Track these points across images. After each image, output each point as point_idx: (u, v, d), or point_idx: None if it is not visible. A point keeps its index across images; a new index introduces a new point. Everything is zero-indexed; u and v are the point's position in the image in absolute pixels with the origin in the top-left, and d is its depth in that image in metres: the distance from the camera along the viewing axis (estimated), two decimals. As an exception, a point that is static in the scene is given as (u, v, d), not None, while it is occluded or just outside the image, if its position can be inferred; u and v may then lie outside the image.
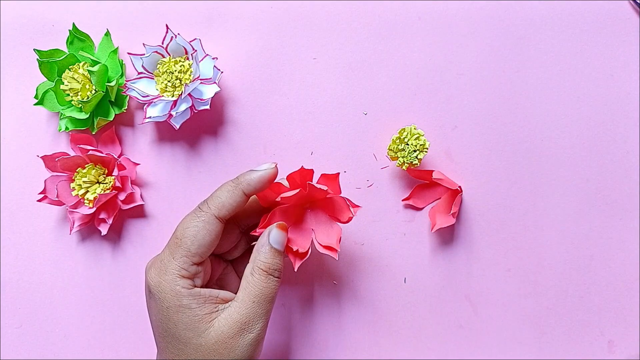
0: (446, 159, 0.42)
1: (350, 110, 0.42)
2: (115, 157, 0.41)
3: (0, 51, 0.45)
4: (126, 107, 0.42)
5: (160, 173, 0.43)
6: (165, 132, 0.43)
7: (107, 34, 0.42)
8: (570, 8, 0.41)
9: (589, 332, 0.41)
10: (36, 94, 0.42)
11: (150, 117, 0.40)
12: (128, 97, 0.42)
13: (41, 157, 0.41)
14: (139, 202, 0.42)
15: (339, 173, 0.35)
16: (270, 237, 0.35)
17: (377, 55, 0.42)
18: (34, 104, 0.42)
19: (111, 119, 0.42)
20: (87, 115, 0.41)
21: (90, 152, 0.40)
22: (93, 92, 0.40)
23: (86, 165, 0.41)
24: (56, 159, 0.40)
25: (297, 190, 0.35)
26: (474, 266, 0.41)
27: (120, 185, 0.41)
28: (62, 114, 0.42)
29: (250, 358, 0.33)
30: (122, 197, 0.41)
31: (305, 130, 0.42)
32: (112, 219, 0.41)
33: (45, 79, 0.42)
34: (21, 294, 0.44)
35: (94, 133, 0.42)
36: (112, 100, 0.42)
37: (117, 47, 0.42)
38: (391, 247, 0.42)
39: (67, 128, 0.42)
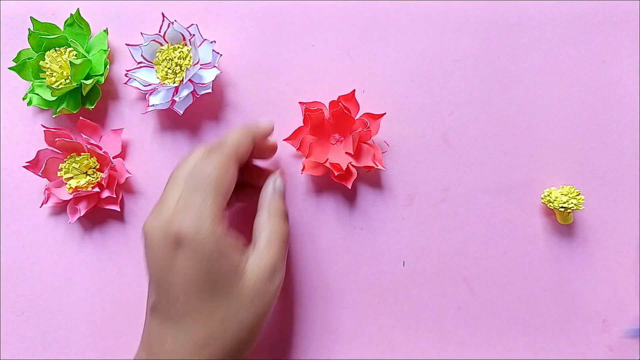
0: (443, 144, 0.42)
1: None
2: (111, 158, 0.41)
3: (0, 48, 0.45)
4: (93, 106, 0.42)
5: (166, 161, 0.43)
6: (167, 121, 0.44)
7: (105, 31, 0.43)
8: (563, -5, 0.42)
9: (584, 311, 0.42)
10: (17, 57, 0.42)
11: (153, 105, 0.41)
12: (99, 97, 0.42)
13: (44, 129, 0.41)
14: (115, 208, 0.42)
15: (354, 90, 0.39)
16: (276, 185, 0.36)
17: (375, 42, 0.43)
18: (9, 68, 0.42)
19: (74, 112, 0.42)
20: (54, 99, 0.42)
21: (90, 147, 0.41)
22: (66, 81, 0.41)
23: (82, 154, 0.41)
24: (56, 139, 0.41)
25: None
26: (471, 249, 0.42)
27: (104, 185, 0.41)
28: (32, 88, 0.42)
29: (273, 301, 0.33)
30: (104, 195, 0.42)
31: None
32: (84, 212, 0.41)
33: (30, 48, 0.42)
34: (22, 282, 0.44)
35: (54, 116, 0.42)
36: (84, 95, 0.42)
37: (109, 50, 0.42)
38: (390, 231, 0.42)
39: (30, 102, 0.42)
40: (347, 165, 0.40)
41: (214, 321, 0.31)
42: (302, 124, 0.40)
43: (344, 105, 0.39)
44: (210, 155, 0.33)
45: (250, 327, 0.32)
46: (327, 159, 0.40)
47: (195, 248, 0.30)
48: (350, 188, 0.41)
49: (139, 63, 0.41)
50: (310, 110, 0.38)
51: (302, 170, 0.40)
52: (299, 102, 0.40)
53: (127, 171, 0.42)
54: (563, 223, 0.41)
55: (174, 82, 0.40)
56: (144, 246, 0.33)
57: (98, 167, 0.42)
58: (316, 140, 0.40)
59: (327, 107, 0.40)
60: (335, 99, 0.39)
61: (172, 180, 0.34)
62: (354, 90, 0.39)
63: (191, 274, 0.30)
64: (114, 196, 0.42)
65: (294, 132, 0.40)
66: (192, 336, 0.31)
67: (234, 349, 0.31)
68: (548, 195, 0.40)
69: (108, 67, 0.42)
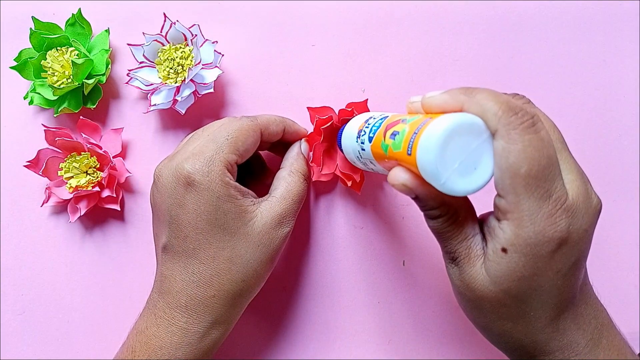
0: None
1: (348, 96, 0.43)
2: (111, 158, 0.41)
3: (0, 47, 0.45)
4: (95, 106, 0.42)
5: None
6: (169, 120, 0.44)
7: (107, 31, 0.43)
8: (563, -5, 0.43)
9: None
10: (18, 56, 0.42)
11: (155, 105, 0.41)
12: (101, 96, 0.42)
13: (44, 128, 0.41)
14: (116, 207, 0.42)
15: (367, 99, 0.39)
16: (302, 148, 0.39)
17: (375, 42, 0.43)
18: (10, 67, 0.42)
19: (76, 111, 0.42)
20: (56, 98, 0.42)
21: (90, 146, 0.41)
22: (68, 81, 0.41)
23: (82, 153, 0.41)
24: (56, 138, 0.41)
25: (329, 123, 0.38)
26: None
27: (104, 184, 0.41)
28: (34, 87, 0.42)
29: (279, 251, 0.35)
30: (104, 194, 0.42)
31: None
32: (85, 211, 0.42)
33: (32, 47, 0.42)
34: (23, 281, 0.44)
35: (55, 116, 0.42)
36: (85, 94, 0.43)
37: (110, 50, 0.43)
38: (390, 231, 0.43)
39: (32, 101, 0.42)
40: (360, 174, 0.40)
41: (220, 259, 0.33)
42: (313, 131, 0.40)
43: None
44: (237, 120, 0.35)
45: (255, 269, 0.34)
46: (337, 166, 0.40)
47: (204, 189, 0.32)
48: (360, 193, 0.41)
49: (140, 63, 0.41)
50: (322, 122, 0.38)
51: (312, 176, 0.40)
52: (308, 108, 0.40)
53: (127, 170, 0.42)
54: None
55: (176, 82, 0.40)
56: (154, 188, 0.34)
57: (98, 166, 0.42)
58: (326, 147, 0.40)
59: (336, 112, 0.40)
60: (339, 100, 0.39)
61: (193, 136, 0.36)
62: (367, 99, 0.39)
63: (200, 212, 0.32)
64: (114, 195, 0.42)
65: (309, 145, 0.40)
66: (200, 272, 0.33)
67: (238, 288, 0.34)
68: None
69: (110, 66, 0.42)
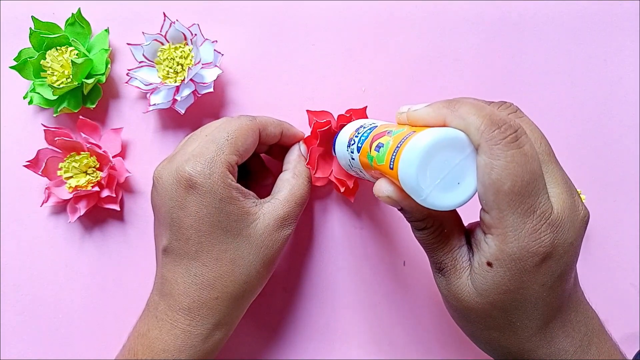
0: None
1: (349, 96, 0.43)
2: (111, 157, 0.41)
3: (0, 47, 0.45)
4: (94, 106, 0.42)
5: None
6: (168, 120, 0.44)
7: (106, 30, 0.43)
8: (563, -5, 0.43)
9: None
10: (18, 56, 0.42)
11: (155, 105, 0.41)
12: (100, 96, 0.42)
13: (44, 128, 0.41)
14: (115, 207, 0.42)
15: (366, 107, 0.38)
16: (301, 150, 0.39)
17: (375, 42, 0.43)
18: (10, 67, 0.42)
19: (75, 111, 0.42)
20: (55, 98, 0.42)
21: (90, 146, 0.41)
22: (67, 80, 0.41)
23: (82, 153, 0.41)
24: (56, 138, 0.41)
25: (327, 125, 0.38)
26: (471, 249, 0.42)
27: (104, 184, 0.41)
28: (33, 87, 0.42)
29: (280, 252, 0.35)
30: (104, 194, 0.42)
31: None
32: (84, 211, 0.42)
33: (31, 47, 0.42)
34: (23, 282, 0.44)
35: (55, 115, 0.42)
36: (85, 94, 0.43)
37: (110, 49, 0.43)
38: (390, 231, 0.43)
39: (31, 101, 0.42)
40: (353, 181, 0.39)
41: (223, 261, 0.33)
42: (310, 134, 0.40)
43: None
44: (235, 119, 0.35)
45: (258, 270, 0.34)
46: (332, 171, 0.40)
47: (206, 191, 0.32)
48: (353, 201, 0.41)
49: (140, 62, 0.41)
50: (319, 125, 0.38)
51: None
52: (307, 111, 0.40)
53: (127, 170, 0.42)
54: None
55: (175, 82, 0.40)
56: (153, 190, 0.34)
57: (98, 166, 0.42)
58: (322, 151, 0.40)
59: (335, 118, 0.40)
60: (339, 101, 0.39)
61: (191, 136, 0.36)
62: (366, 107, 0.39)
63: (202, 215, 0.32)
64: (114, 195, 0.42)
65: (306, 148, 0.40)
66: (203, 275, 0.33)
67: (241, 290, 0.34)
68: None
69: (109, 66, 0.42)
